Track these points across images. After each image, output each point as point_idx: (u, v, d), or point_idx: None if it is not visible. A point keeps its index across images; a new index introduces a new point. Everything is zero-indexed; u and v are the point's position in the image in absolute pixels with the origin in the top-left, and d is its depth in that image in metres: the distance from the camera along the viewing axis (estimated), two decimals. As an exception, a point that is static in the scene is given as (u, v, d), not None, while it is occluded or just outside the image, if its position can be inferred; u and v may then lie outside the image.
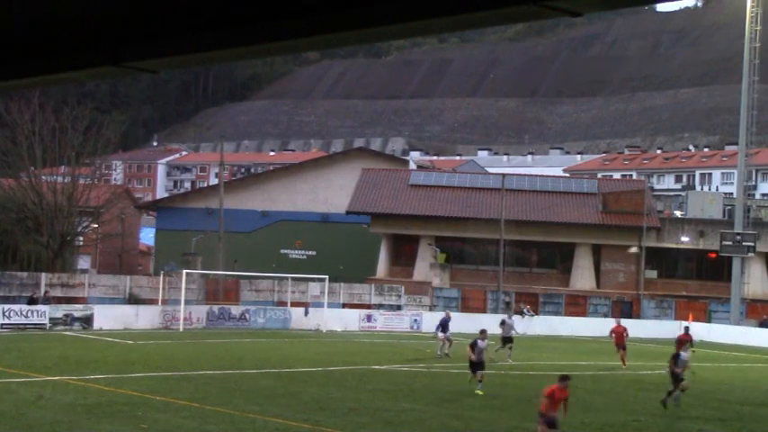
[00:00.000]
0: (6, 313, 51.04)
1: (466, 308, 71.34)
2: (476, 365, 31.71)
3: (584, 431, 25.03)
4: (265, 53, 5.67)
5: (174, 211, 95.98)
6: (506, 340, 44.72)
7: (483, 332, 33.47)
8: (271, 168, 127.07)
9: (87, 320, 53.64)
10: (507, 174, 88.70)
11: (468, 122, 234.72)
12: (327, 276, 63.47)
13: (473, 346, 32.23)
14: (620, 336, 45.65)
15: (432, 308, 70.53)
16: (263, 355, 42.21)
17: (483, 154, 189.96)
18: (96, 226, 77.90)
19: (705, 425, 27.18)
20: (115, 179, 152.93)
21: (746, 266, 74.72)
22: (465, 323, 63.28)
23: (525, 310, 68.81)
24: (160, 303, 58.65)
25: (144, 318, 56.11)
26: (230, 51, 5.55)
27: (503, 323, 45.61)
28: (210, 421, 24.20)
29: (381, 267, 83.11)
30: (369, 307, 67.02)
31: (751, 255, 73.72)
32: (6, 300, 54.95)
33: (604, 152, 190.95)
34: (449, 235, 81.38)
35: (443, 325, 46.69)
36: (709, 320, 71.34)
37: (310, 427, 23.71)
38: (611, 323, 70.34)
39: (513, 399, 30.71)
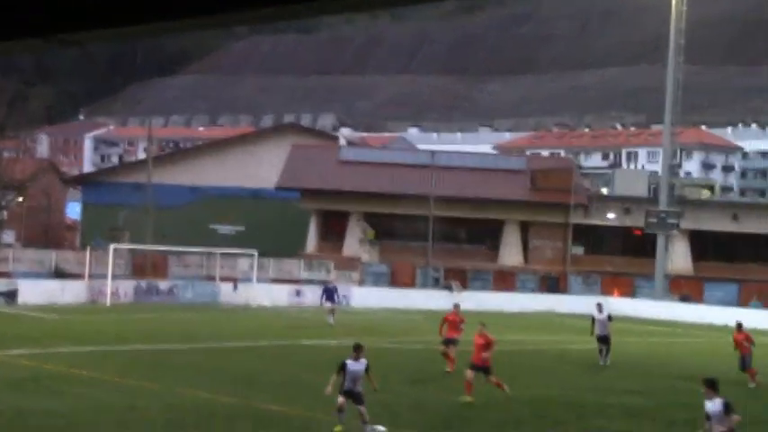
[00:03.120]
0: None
1: (395, 283, 71.66)
2: (349, 394, 20.75)
3: (512, 405, 25.31)
4: (194, 27, 5.63)
5: (101, 185, 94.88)
6: (603, 340, 35.16)
7: (358, 349, 20.97)
8: (200, 144, 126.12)
9: (11, 295, 52.91)
10: (437, 150, 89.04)
11: (399, 99, 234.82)
12: (257, 251, 63.31)
13: (342, 369, 20.84)
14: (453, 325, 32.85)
15: (361, 283, 70.72)
16: (192, 330, 42.03)
17: (413, 131, 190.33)
18: (21, 200, 76.75)
19: (630, 398, 27.66)
20: (40, 153, 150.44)
21: (670, 243, 75.93)
22: (395, 299, 63.70)
23: (453, 286, 69.30)
24: (87, 278, 58.06)
25: (70, 292, 55.49)
26: (158, 25, 5.50)
27: (593, 321, 35.79)
28: (139, 396, 24.07)
29: (311, 243, 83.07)
30: (298, 282, 66.98)
31: (675, 232, 74.95)
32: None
33: (533, 130, 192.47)
34: (378, 211, 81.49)
35: (328, 293, 48.55)
36: (634, 296, 72.42)
37: (239, 402, 23.69)
38: (538, 299, 71.53)
39: (439, 373, 30.95)
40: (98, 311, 50.41)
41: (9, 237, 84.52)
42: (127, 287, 58.01)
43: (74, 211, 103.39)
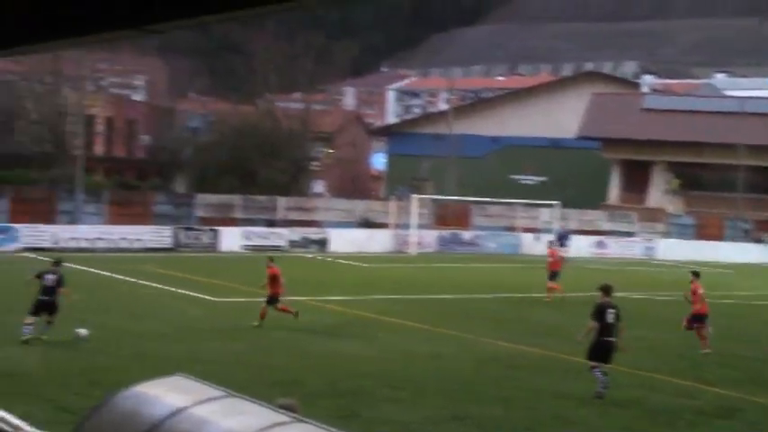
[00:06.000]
0: (247, 235, 53.32)
1: (702, 235, 69.29)
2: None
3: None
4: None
5: (404, 136, 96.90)
6: None
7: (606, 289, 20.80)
8: (500, 93, 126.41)
9: (323, 243, 55.22)
10: (746, 96, 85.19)
11: (703, 44, 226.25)
12: (559, 202, 63.01)
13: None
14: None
15: (666, 235, 68.94)
16: (494, 280, 42.39)
17: (720, 76, 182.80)
18: (330, 151, 79.61)
19: None
20: (346, 105, 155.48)
21: None
22: (702, 251, 61.73)
23: (765, 239, 66.52)
24: (392, 227, 59.62)
25: (376, 241, 57.21)
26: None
27: None
28: (442, 344, 24.57)
29: (613, 193, 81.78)
30: (600, 233, 66.15)
31: None
32: (247, 222, 57.15)
33: None
34: (684, 160, 79.01)
35: (561, 238, 52.30)
36: None
37: (542, 353, 23.69)
38: None
39: (738, 329, 29.79)
40: (403, 260, 51.73)
41: (319, 187, 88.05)
42: (431, 237, 59.18)
43: (379, 161, 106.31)
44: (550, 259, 37.14)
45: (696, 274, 26.70)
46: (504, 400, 18.29)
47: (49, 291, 22.74)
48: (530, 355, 23.37)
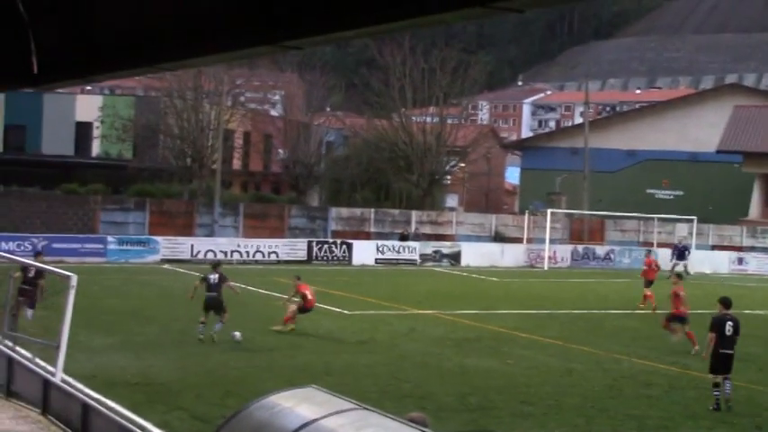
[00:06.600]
0: (380, 249, 53.72)
1: None
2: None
3: None
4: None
5: (538, 150, 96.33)
6: None
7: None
8: (637, 107, 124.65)
9: (455, 257, 55.28)
10: None
11: None
12: (696, 217, 61.74)
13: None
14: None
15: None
16: (629, 296, 41.76)
17: None
18: (464, 165, 79.58)
19: None
20: (481, 119, 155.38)
21: None
22: None
23: None
24: (525, 242, 59.32)
25: (509, 256, 56.99)
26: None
27: None
28: (575, 360, 24.37)
29: (754, 209, 79.69)
30: (740, 249, 64.57)
31: None
32: (380, 236, 57.54)
33: None
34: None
35: (680, 251, 54.11)
36: None
37: (679, 371, 23.29)
38: None
39: None
40: (536, 275, 51.40)
41: (453, 201, 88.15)
42: (564, 252, 58.69)
43: (513, 175, 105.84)
44: (645, 268, 39.11)
45: (679, 276, 29.60)
46: (637, 418, 18.04)
47: (214, 287, 24.95)
48: (665, 373, 22.99)
